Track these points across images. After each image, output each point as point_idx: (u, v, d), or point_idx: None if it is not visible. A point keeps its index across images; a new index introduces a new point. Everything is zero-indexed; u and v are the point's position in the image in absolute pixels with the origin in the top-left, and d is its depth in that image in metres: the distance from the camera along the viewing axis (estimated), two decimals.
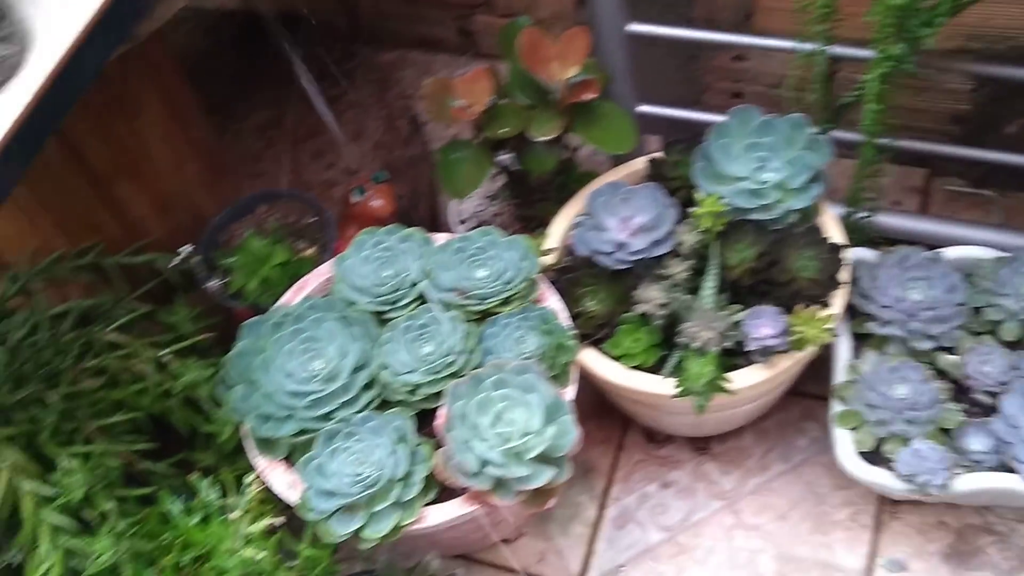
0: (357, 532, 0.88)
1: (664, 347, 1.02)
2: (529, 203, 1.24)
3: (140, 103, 1.15)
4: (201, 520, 0.90)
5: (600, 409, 1.18)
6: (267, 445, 0.95)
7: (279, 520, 0.86)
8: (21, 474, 0.93)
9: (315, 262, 1.12)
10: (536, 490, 0.89)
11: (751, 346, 0.96)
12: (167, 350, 1.04)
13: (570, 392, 0.97)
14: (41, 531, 0.92)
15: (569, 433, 0.89)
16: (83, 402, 1.02)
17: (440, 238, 1.06)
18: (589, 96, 1.03)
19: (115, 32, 0.75)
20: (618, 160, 1.21)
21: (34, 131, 0.66)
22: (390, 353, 0.95)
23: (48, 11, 0.74)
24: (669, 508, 1.14)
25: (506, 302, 0.99)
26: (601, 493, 1.17)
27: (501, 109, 1.06)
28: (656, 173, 1.12)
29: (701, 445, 1.18)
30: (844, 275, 1.01)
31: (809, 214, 1.04)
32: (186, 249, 1.05)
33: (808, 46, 0.98)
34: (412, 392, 0.94)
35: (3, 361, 1.03)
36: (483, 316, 0.99)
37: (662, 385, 0.99)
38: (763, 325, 0.95)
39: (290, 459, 0.96)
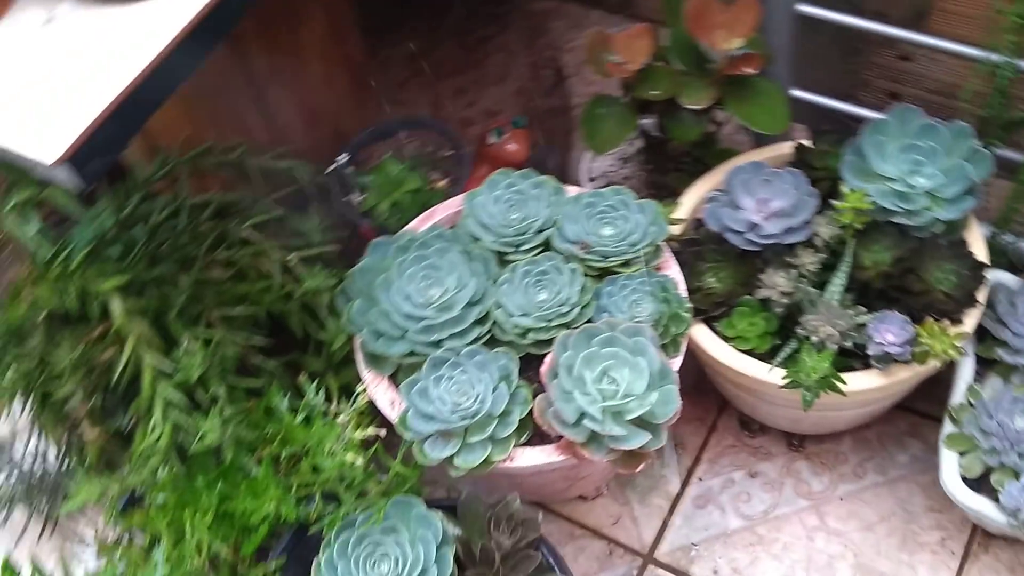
0: (449, 459, 0.90)
1: (778, 336, 1.01)
2: (663, 171, 1.23)
3: (304, 14, 1.18)
4: (304, 419, 0.94)
5: (698, 388, 1.17)
6: (376, 361, 0.98)
7: (382, 432, 0.89)
8: (146, 346, 0.98)
9: (445, 194, 1.13)
10: (628, 452, 0.89)
11: (872, 350, 0.93)
12: (294, 255, 1.08)
13: (676, 363, 0.96)
14: (156, 403, 0.98)
15: (672, 403, 0.88)
16: (210, 290, 1.07)
17: (572, 190, 1.06)
18: (749, 70, 1.00)
19: None
20: (760, 142, 1.18)
21: (220, 18, 0.68)
22: (506, 294, 0.96)
23: None
24: (753, 498, 1.13)
25: (627, 264, 0.98)
26: (686, 470, 1.17)
27: (655, 71, 1.05)
28: (801, 160, 1.09)
29: (796, 442, 1.16)
30: (982, 295, 0.97)
31: (956, 227, 1.00)
32: (342, 157, 1.07)
33: (994, 57, 0.93)
34: (522, 335, 0.95)
35: (143, 239, 1.09)
36: (602, 274, 0.99)
37: (771, 374, 0.97)
38: (888, 331, 0.92)
39: (395, 378, 0.98)
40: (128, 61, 0.64)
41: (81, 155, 0.61)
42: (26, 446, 1.15)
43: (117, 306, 0.98)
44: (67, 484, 0.97)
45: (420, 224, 1.08)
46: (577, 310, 0.95)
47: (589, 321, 0.95)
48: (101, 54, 0.65)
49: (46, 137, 0.61)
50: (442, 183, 1.17)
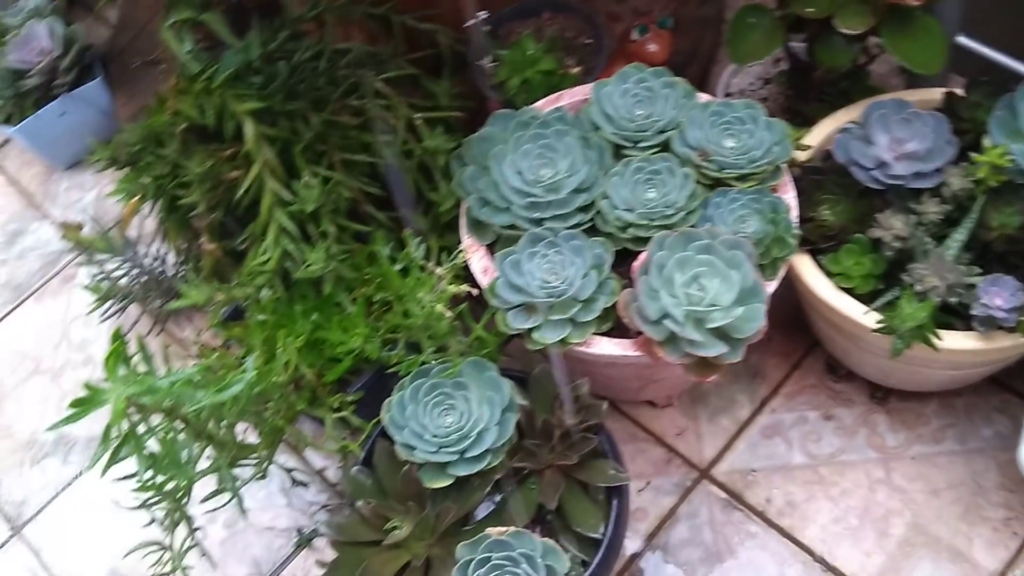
0: (529, 331, 0.93)
1: (882, 281, 0.98)
2: (804, 99, 1.19)
3: None
4: (402, 270, 0.98)
5: (790, 323, 1.15)
6: (478, 227, 1.01)
7: (474, 291, 0.93)
8: (270, 172, 1.04)
9: (576, 81, 1.13)
10: (702, 360, 0.90)
11: (976, 311, 0.90)
12: (421, 114, 1.11)
13: (771, 287, 0.95)
14: (270, 227, 1.04)
15: (756, 320, 0.88)
16: (337, 133, 1.11)
17: (703, 97, 1.05)
18: (914, 2, 0.95)
19: None
20: (911, 84, 1.13)
21: None
22: (615, 186, 0.97)
23: None
24: (822, 439, 1.12)
25: (743, 178, 0.97)
26: (760, 400, 1.17)
27: None
28: (948, 108, 1.04)
29: (880, 395, 1.14)
30: None
31: None
32: (482, 15, 1.08)
33: None
34: (622, 228, 0.96)
35: (284, 74, 1.13)
36: (715, 184, 0.98)
37: (866, 316, 0.95)
38: (999, 295, 0.89)
39: (492, 248, 1.01)
40: None
41: None
42: (147, 248, 1.25)
43: (250, 129, 1.04)
44: (181, 288, 1.05)
45: (545, 105, 1.08)
46: (682, 215, 0.95)
47: (692, 227, 0.95)
48: None
49: None
50: (576, 70, 1.17)
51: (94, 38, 1.53)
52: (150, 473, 0.82)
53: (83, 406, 0.75)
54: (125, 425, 0.77)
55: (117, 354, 0.76)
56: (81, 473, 1.26)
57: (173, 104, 1.10)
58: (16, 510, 1.24)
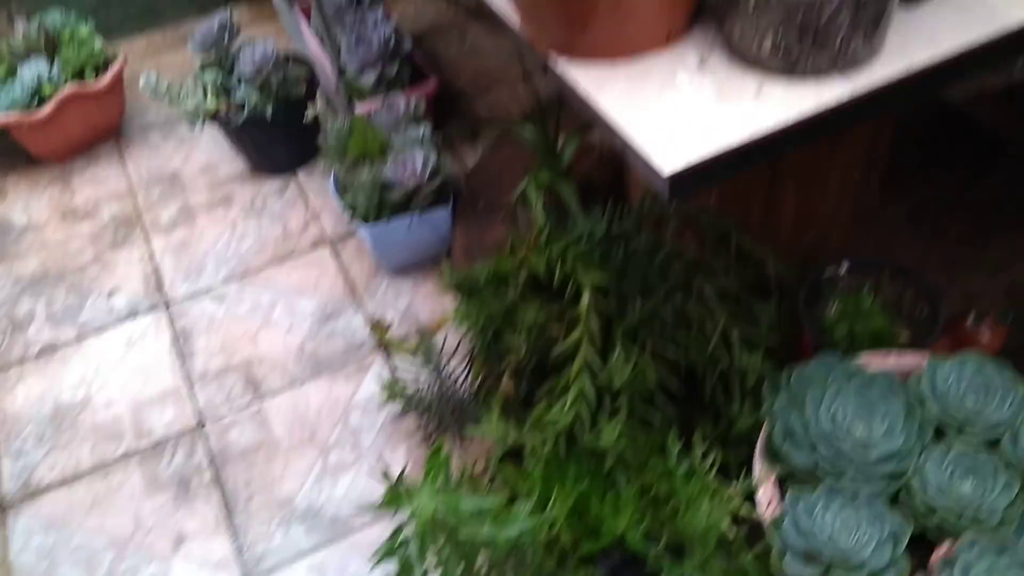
0: None
1: None
2: None
3: (848, 139, 1.24)
4: (688, 472, 0.99)
5: None
6: (774, 457, 1.01)
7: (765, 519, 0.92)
8: (589, 340, 1.10)
9: (903, 345, 1.13)
10: None
11: None
12: (738, 330, 1.15)
13: None
14: (573, 388, 1.09)
15: None
16: (656, 322, 1.17)
17: None
18: None
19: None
20: None
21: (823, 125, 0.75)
22: (930, 467, 0.94)
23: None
24: None
25: None
26: None
27: None
28: None
29: None
30: None
31: None
32: (844, 264, 1.13)
33: None
34: (927, 512, 0.92)
35: (620, 254, 1.22)
36: None
37: None
38: None
39: (781, 481, 1.00)
40: (745, 126, 0.73)
41: (683, 177, 0.71)
42: (445, 364, 1.34)
43: (587, 298, 1.12)
44: (477, 412, 1.12)
45: (871, 360, 1.08)
46: (997, 516, 0.90)
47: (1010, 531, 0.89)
48: (731, 109, 0.75)
49: (671, 153, 0.72)
50: (904, 335, 1.17)
51: (454, 173, 1.72)
52: None
53: (394, 503, 0.81)
54: (410, 531, 0.83)
55: (439, 466, 0.82)
56: (318, 547, 1.33)
57: (524, 254, 1.21)
58: (255, 564, 1.33)
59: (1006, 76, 1.59)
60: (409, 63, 1.96)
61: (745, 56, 0.77)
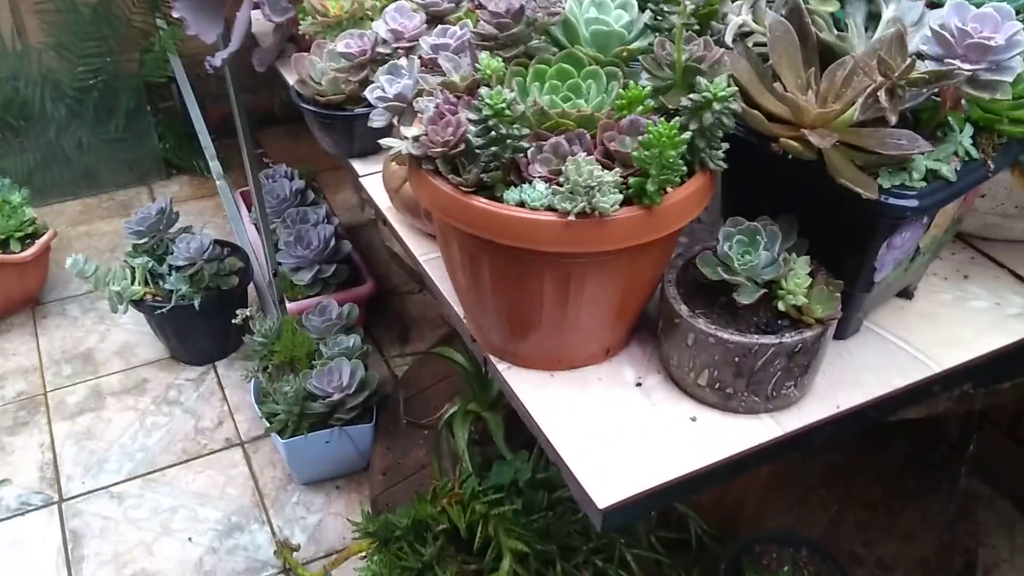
0: None
1: None
2: None
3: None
4: None
5: None
6: None
7: None
8: None
9: None
10: None
11: None
12: None
13: None
14: None
15: None
16: None
17: None
18: None
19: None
20: None
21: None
22: None
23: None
24: None
25: None
26: None
27: None
28: None
29: None
30: None
31: None
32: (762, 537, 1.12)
33: None
34: None
35: (543, 503, 1.20)
36: None
37: None
38: None
39: None
40: (680, 461, 0.74)
41: (616, 509, 0.71)
42: None
43: (507, 564, 1.09)
44: None
45: None
46: None
47: None
48: (666, 438, 0.76)
49: (607, 485, 0.72)
50: None
51: (380, 385, 1.70)
52: None
53: None
54: None
55: None
56: None
57: (447, 502, 1.19)
58: None
59: None
60: (348, 264, 1.98)
61: (680, 383, 0.79)
